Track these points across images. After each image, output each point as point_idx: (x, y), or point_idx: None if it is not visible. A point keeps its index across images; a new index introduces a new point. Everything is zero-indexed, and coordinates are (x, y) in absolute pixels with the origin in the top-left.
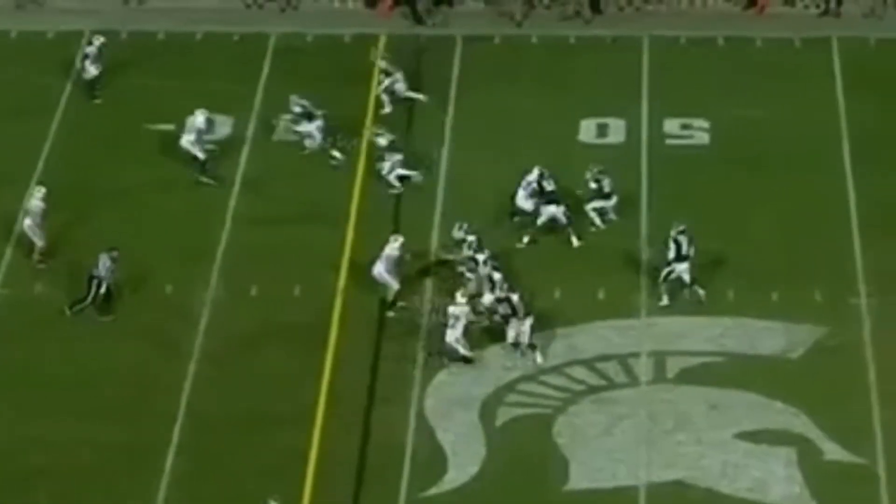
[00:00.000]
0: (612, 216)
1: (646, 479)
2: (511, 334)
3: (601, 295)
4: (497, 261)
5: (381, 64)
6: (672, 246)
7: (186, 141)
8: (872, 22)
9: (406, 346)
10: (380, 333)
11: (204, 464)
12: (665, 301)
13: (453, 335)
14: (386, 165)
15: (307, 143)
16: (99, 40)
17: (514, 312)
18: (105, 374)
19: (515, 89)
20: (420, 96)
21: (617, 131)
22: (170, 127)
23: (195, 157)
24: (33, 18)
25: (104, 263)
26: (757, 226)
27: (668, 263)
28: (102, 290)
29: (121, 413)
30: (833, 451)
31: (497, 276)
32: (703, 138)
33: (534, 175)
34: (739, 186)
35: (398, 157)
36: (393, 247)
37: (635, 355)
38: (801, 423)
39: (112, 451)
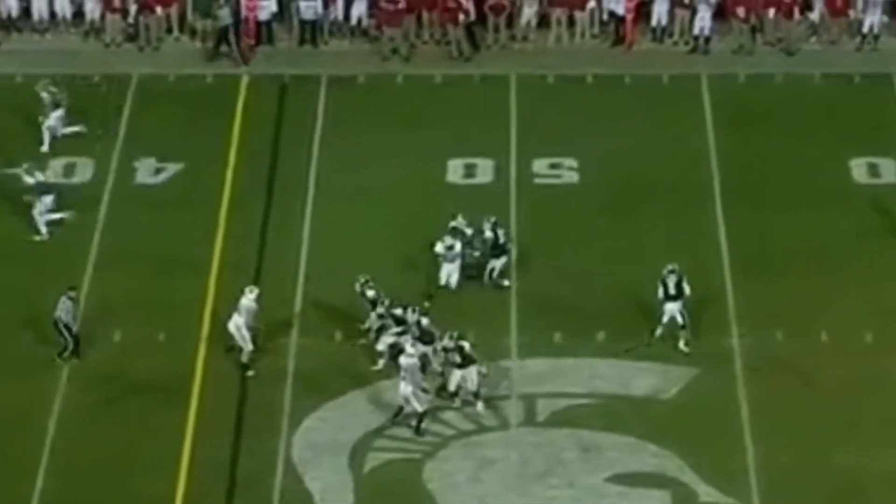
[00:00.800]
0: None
1: None
2: (454, 382)
3: (471, 338)
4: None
5: (45, 97)
6: (660, 286)
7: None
8: (741, 58)
9: (273, 393)
10: (245, 381)
11: None
12: (659, 332)
13: (406, 388)
14: (36, 209)
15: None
16: None
17: (464, 360)
18: None
19: (381, 129)
20: (78, 128)
21: (485, 171)
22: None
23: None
24: None
25: (65, 305)
26: (628, 265)
27: (660, 305)
28: (75, 330)
29: None
30: (708, 494)
31: (425, 321)
32: (572, 177)
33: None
34: (610, 226)
35: (48, 198)
36: (249, 298)
37: (505, 398)
38: (675, 466)
39: None
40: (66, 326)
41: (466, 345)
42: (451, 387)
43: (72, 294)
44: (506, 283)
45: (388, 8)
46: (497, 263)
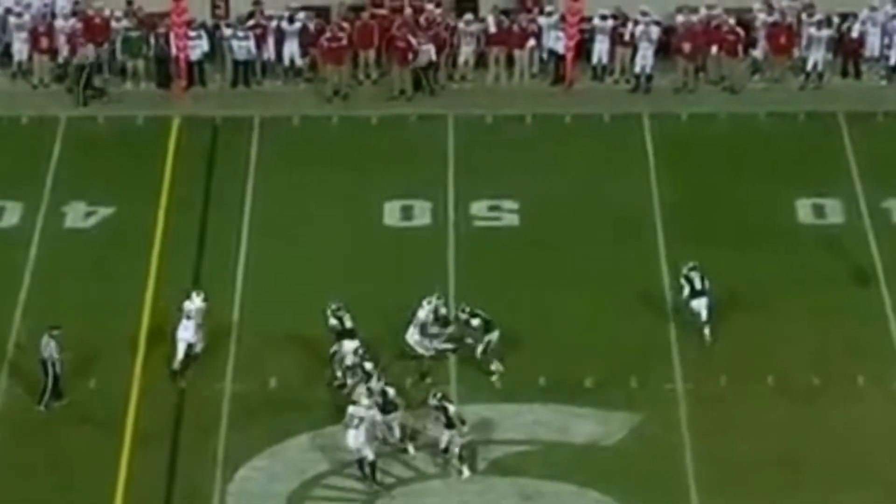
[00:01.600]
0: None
1: None
2: (444, 440)
3: (408, 382)
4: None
5: None
6: (685, 284)
7: None
8: (684, 96)
9: (207, 441)
10: (178, 428)
11: None
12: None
13: (356, 438)
14: None
15: None
16: None
17: (449, 422)
18: None
19: (316, 171)
20: None
21: (423, 214)
22: None
23: None
24: None
25: (48, 344)
26: (570, 308)
27: (686, 303)
28: (58, 370)
29: None
30: None
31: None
32: (512, 220)
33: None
34: (551, 268)
35: None
36: (196, 301)
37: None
38: None
39: None
40: (53, 364)
41: (451, 407)
42: (443, 444)
43: (55, 333)
44: (498, 367)
45: (328, 45)
46: (492, 336)
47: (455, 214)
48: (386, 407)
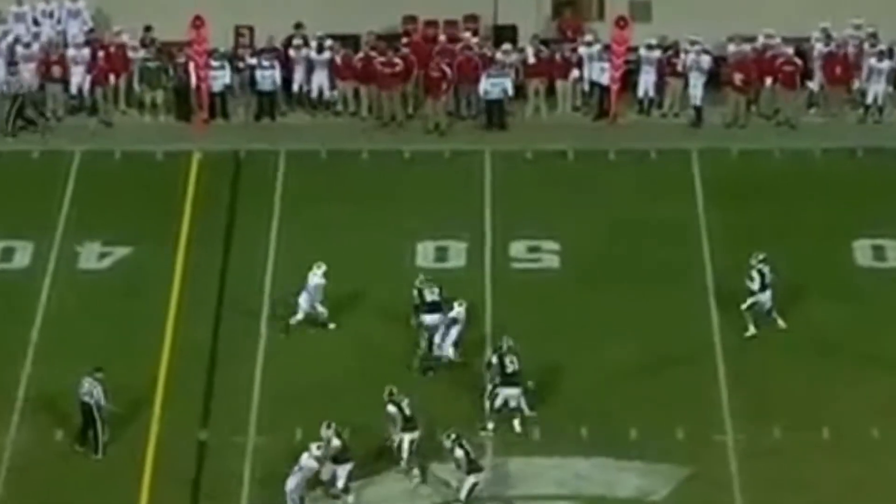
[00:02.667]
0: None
1: None
2: (465, 488)
3: (439, 434)
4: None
5: None
6: (756, 276)
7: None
8: (735, 131)
9: (229, 498)
10: (196, 486)
11: None
12: (752, 331)
13: (293, 482)
14: None
15: None
16: None
17: (458, 467)
18: None
19: (345, 209)
20: None
21: (458, 255)
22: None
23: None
24: None
25: (93, 387)
26: (613, 356)
27: (752, 294)
28: (104, 415)
29: None
30: None
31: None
32: (552, 261)
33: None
34: (593, 313)
35: None
36: (317, 273)
37: (479, 500)
38: None
39: None
40: (99, 409)
41: (460, 452)
42: (463, 495)
43: (98, 376)
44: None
45: (384, 71)
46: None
47: (492, 256)
48: (338, 456)
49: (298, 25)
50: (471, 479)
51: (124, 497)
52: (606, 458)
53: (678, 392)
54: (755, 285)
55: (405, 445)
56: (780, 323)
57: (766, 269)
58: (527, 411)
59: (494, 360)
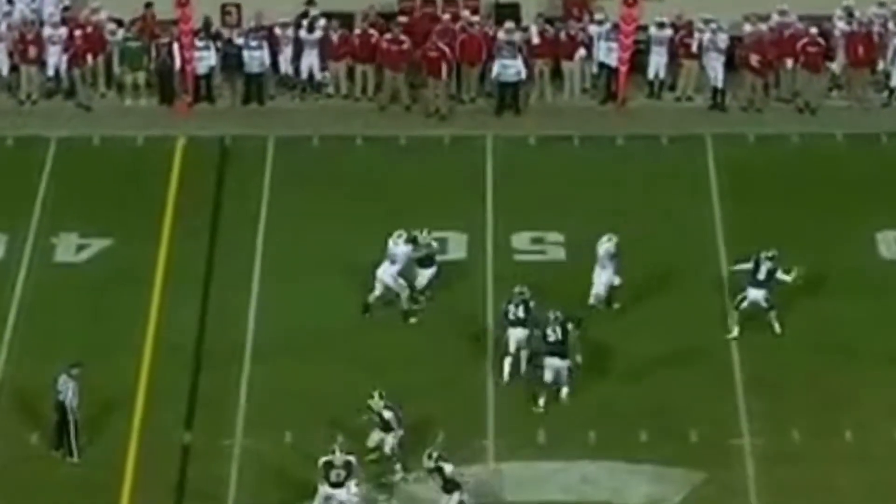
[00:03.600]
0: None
1: None
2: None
3: (440, 437)
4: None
5: None
6: (754, 268)
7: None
8: (751, 115)
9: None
10: (181, 489)
11: None
12: (735, 332)
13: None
14: None
15: None
16: None
17: (445, 484)
18: None
19: (338, 198)
20: None
21: (458, 246)
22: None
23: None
24: None
25: (66, 384)
26: (623, 355)
27: (743, 288)
28: (77, 416)
29: None
30: None
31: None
32: (557, 253)
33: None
34: (600, 309)
35: None
36: (399, 243)
37: None
38: None
39: None
40: (73, 410)
41: (448, 467)
42: None
43: (74, 372)
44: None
45: (390, 48)
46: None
47: (493, 247)
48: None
49: (310, 2)
50: (455, 498)
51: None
52: (615, 462)
53: (691, 392)
54: (749, 277)
55: (387, 447)
56: (776, 327)
57: (770, 267)
58: (563, 393)
59: (537, 331)
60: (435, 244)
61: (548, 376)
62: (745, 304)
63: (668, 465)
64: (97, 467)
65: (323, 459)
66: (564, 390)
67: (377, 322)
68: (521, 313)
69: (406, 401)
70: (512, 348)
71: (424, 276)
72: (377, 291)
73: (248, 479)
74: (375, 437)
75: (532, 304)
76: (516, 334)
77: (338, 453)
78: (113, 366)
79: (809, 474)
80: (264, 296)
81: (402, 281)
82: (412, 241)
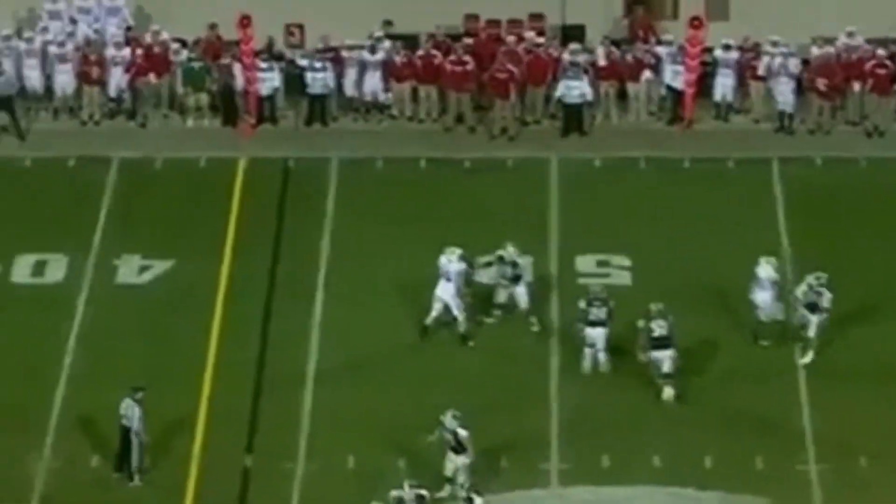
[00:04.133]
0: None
1: None
2: None
3: (504, 462)
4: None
5: None
6: (807, 293)
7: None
8: (819, 138)
9: None
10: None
11: None
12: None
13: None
14: None
15: None
16: None
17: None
18: None
19: (401, 221)
20: None
21: (522, 269)
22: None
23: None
24: None
25: (131, 408)
26: (687, 378)
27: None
28: (143, 439)
29: None
30: None
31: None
32: (623, 277)
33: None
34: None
35: None
36: (452, 259)
37: None
38: None
39: None
40: (138, 434)
41: (479, 500)
42: None
43: (138, 396)
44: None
45: (454, 70)
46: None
47: (558, 270)
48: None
49: (388, 23)
50: None
51: None
52: (679, 489)
53: (757, 418)
54: (800, 302)
55: (457, 470)
56: (808, 357)
57: (823, 292)
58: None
59: (641, 324)
60: (521, 260)
61: (667, 367)
62: (809, 330)
63: (734, 492)
64: (159, 490)
65: (393, 494)
66: (668, 389)
67: (438, 344)
68: (602, 315)
69: (469, 424)
70: (599, 345)
71: (521, 294)
72: (434, 312)
73: (309, 502)
74: (450, 465)
75: (612, 304)
76: (597, 334)
77: (407, 489)
78: (174, 388)
79: (878, 501)
80: (327, 318)
81: (458, 300)
82: (466, 260)
